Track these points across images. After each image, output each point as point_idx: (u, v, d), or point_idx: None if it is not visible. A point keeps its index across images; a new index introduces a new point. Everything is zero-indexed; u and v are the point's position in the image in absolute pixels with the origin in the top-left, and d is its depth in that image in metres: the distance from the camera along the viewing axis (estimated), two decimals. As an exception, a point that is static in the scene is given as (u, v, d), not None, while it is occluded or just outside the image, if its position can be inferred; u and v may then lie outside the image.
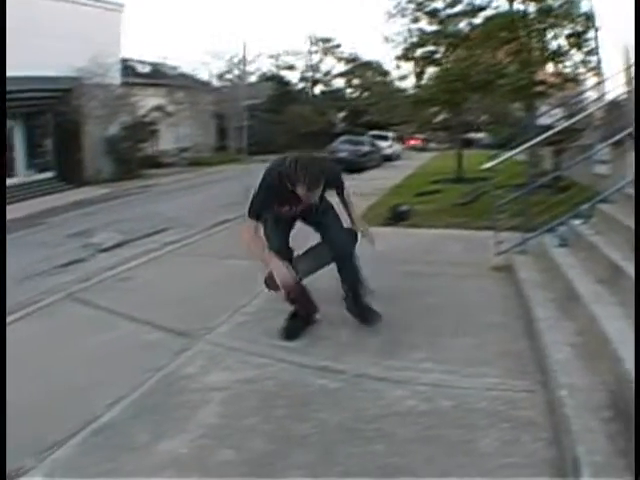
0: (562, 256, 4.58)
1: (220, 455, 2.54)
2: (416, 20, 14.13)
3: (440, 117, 20.25)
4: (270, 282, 3.86)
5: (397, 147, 32.29)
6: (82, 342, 4.14)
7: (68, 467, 2.55)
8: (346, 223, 4.18)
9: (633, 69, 6.52)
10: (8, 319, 4.94)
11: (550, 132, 6.15)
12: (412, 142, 43.55)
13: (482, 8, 12.86)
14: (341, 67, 47.84)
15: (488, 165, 5.89)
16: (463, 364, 3.26)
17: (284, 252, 3.87)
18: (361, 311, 4.05)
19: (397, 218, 8.56)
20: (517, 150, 5.93)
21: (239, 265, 5.99)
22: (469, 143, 27.00)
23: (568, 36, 11.10)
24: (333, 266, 4.07)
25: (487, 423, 2.58)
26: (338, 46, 46.94)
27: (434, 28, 13.85)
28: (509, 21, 10.98)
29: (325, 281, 4.36)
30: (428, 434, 2.56)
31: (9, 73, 15.17)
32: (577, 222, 5.06)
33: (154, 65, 29.54)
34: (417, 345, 3.62)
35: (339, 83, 48.86)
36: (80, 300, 5.33)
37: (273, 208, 3.80)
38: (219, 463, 2.49)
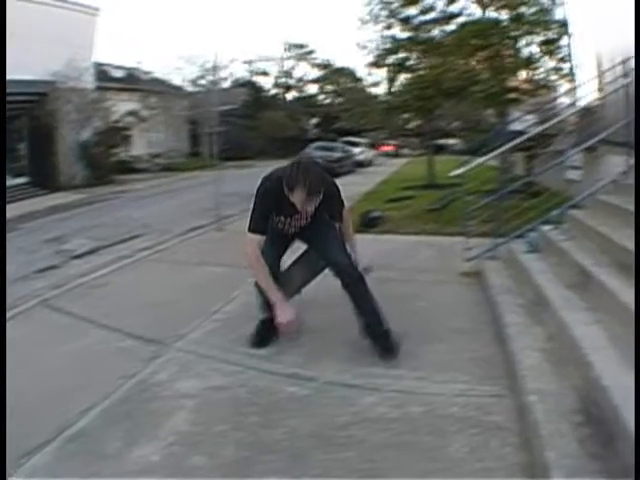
0: (532, 262, 4.64)
1: (192, 461, 2.53)
2: (389, 27, 14.26)
3: (412, 124, 20.43)
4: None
5: (369, 153, 32.55)
6: (54, 349, 4.10)
7: (45, 473, 2.54)
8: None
9: (607, 75, 6.65)
10: None
11: (522, 138, 6.23)
12: (385, 148, 43.91)
13: (455, 15, 13.01)
14: (315, 73, 48.07)
15: (458, 172, 5.94)
16: (433, 370, 3.28)
17: (275, 268, 3.76)
18: (379, 342, 3.69)
19: (369, 224, 8.58)
20: (487, 157, 5.99)
21: (212, 271, 6.03)
22: (441, 149, 27.29)
23: (541, 43, 11.28)
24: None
25: (457, 429, 2.60)
26: (312, 52, 47.16)
27: (407, 35, 13.98)
28: (482, 28, 11.12)
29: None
30: (399, 440, 2.56)
31: None
32: (548, 228, 5.14)
33: (128, 70, 29.50)
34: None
35: (312, 89, 49.07)
36: (53, 307, 5.29)
37: (271, 218, 3.69)
38: (191, 469, 2.48)
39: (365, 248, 6.71)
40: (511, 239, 5.44)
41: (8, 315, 5.10)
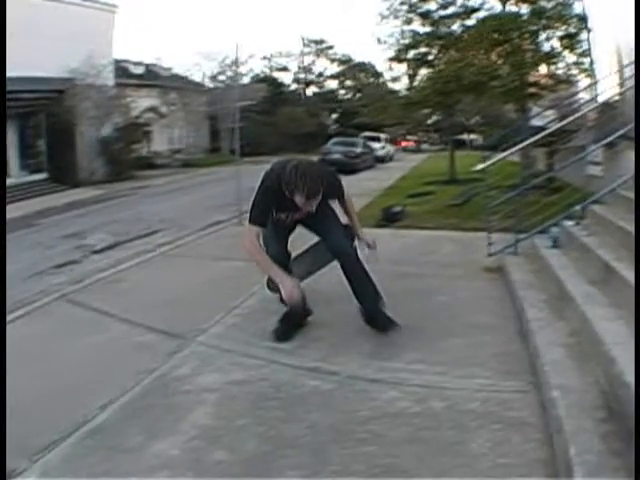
0: (554, 257, 4.60)
1: (212, 456, 2.53)
2: (409, 22, 14.18)
3: (432, 119, 20.32)
4: (272, 284, 3.86)
5: (390, 148, 32.39)
6: (75, 343, 4.14)
7: (62, 468, 2.55)
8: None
9: (626, 70, 6.55)
10: (9, 317, 4.92)
11: (543, 134, 6.17)
12: (405, 144, 43.70)
13: (475, 10, 12.91)
14: (334, 69, 47.99)
15: (481, 167, 5.92)
16: (455, 365, 3.26)
17: (282, 257, 3.82)
18: (375, 318, 3.91)
19: (390, 219, 8.58)
20: (509, 151, 5.95)
21: (232, 266, 6.00)
22: (461, 144, 27.10)
23: (561, 38, 11.16)
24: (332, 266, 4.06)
25: (479, 424, 2.58)
26: (331, 47, 47.10)
27: (427, 30, 13.90)
28: (501, 23, 11.02)
29: (319, 281, 4.43)
30: (420, 435, 2.56)
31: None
32: (570, 223, 5.09)
33: (147, 66, 29.63)
34: (409, 346, 3.61)
35: (332, 85, 49.00)
36: (73, 301, 5.33)
37: (272, 214, 3.73)
38: (212, 464, 2.48)
39: (386, 243, 6.79)
40: (533, 234, 5.40)
41: (26, 310, 5.21)
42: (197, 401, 3.08)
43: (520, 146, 5.96)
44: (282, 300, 3.79)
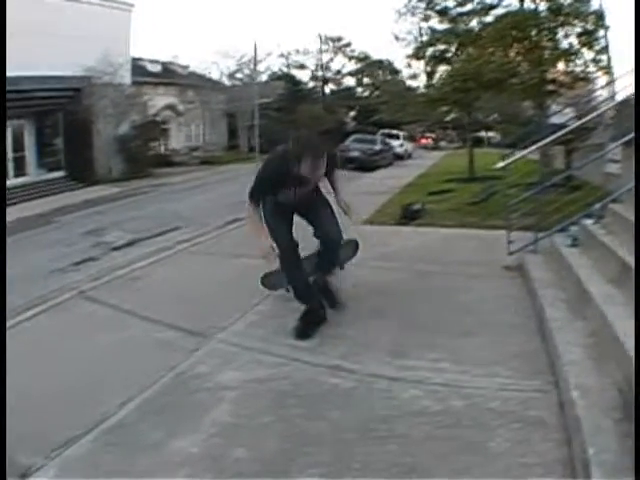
0: (573, 256, 4.58)
1: (233, 454, 2.56)
2: (426, 19, 14.15)
3: (451, 116, 20.22)
4: (266, 282, 4.40)
5: (409, 146, 32.32)
6: (94, 340, 4.20)
7: (80, 465, 2.59)
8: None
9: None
10: (28, 314, 5.10)
11: (562, 132, 6.14)
12: (423, 141, 43.57)
13: (493, 6, 12.83)
14: (352, 66, 47.82)
15: (501, 165, 5.90)
16: (476, 364, 3.28)
17: (292, 248, 4.15)
18: (329, 294, 4.40)
19: (410, 217, 8.60)
20: (529, 149, 5.92)
21: (251, 264, 5.98)
22: (480, 142, 26.94)
23: (579, 35, 11.06)
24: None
25: (499, 423, 2.60)
26: (348, 45, 46.93)
27: (445, 27, 13.85)
28: (520, 20, 10.95)
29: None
30: (440, 434, 2.58)
31: (20, 73, 15.40)
32: (589, 222, 5.04)
33: (165, 64, 29.72)
34: (430, 344, 3.64)
35: (350, 82, 48.86)
36: (92, 299, 5.40)
37: (277, 192, 4.02)
38: (231, 462, 2.50)
39: (407, 240, 6.83)
40: (553, 233, 5.38)
41: (45, 306, 5.30)
42: (217, 399, 3.11)
43: (540, 144, 5.93)
44: (264, 285, 4.42)
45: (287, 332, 3.98)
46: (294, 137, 3.79)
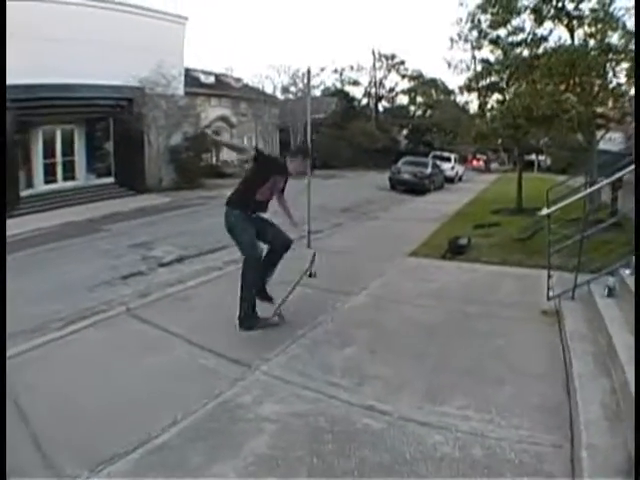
0: (608, 307, 4.71)
1: None
2: (479, 47, 14.34)
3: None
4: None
5: (460, 168, 32.22)
6: (140, 360, 4.53)
7: None
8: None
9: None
10: (76, 326, 5.53)
11: (613, 177, 6.25)
12: (475, 162, 43.26)
13: (544, 38, 12.94)
14: (405, 84, 47.97)
15: (545, 212, 6.05)
16: (501, 414, 3.48)
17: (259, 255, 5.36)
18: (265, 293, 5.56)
19: (455, 251, 8.74)
20: (577, 196, 6.06)
21: (298, 292, 6.10)
22: (530, 165, 26.63)
23: (628, 71, 11.04)
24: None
25: (513, 474, 2.82)
26: (402, 63, 47.14)
27: (496, 55, 14.02)
28: (572, 58, 11.03)
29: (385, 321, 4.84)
30: None
31: (75, 80, 16.51)
32: (626, 272, 5.14)
33: (218, 76, 30.51)
34: (461, 391, 3.85)
35: (403, 100, 48.98)
36: (140, 317, 5.73)
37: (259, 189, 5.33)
38: None
39: (453, 278, 7.13)
40: (591, 280, 5.51)
41: (92, 320, 5.69)
42: (257, 430, 3.40)
43: (590, 190, 6.05)
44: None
45: (327, 368, 4.26)
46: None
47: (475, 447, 3.12)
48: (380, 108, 48.18)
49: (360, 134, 38.49)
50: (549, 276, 5.91)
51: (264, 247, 5.50)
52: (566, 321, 4.98)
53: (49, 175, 19.51)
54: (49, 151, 19.47)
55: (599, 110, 11.55)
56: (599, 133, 11.99)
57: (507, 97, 13.92)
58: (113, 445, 3.20)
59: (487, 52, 14.44)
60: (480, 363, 4.35)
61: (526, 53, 13.17)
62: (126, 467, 3.03)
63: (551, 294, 5.74)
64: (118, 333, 5.35)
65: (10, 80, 12.86)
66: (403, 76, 47.81)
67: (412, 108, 49.19)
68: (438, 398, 3.76)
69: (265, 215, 5.59)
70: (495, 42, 13.87)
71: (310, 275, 5.90)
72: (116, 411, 3.67)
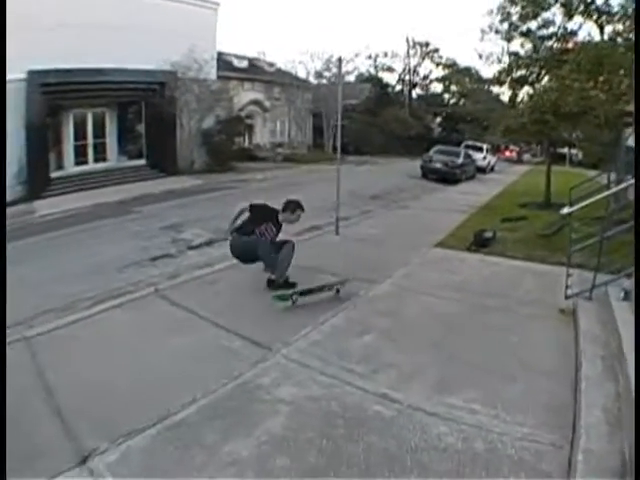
0: (622, 310, 4.65)
1: (276, 462, 2.98)
2: (509, 39, 14.10)
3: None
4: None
5: (492, 159, 31.66)
6: (165, 340, 4.66)
7: (141, 454, 3.05)
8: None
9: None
10: (104, 305, 5.69)
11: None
12: (507, 153, 42.47)
13: (573, 32, 12.66)
14: (439, 72, 47.17)
15: (566, 211, 5.98)
16: (507, 410, 3.51)
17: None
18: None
19: (480, 244, 8.70)
20: (600, 196, 5.99)
21: (324, 279, 6.28)
22: (561, 158, 26.05)
23: None
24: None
25: (511, 470, 2.87)
26: (436, 50, 46.27)
27: (526, 49, 13.78)
28: (600, 54, 10.77)
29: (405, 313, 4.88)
30: (457, 471, 2.89)
31: (106, 65, 16.86)
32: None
33: (251, 60, 30.16)
34: (471, 384, 3.89)
35: (437, 88, 48.21)
36: (167, 298, 5.86)
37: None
38: (274, 468, 2.93)
39: (475, 271, 7.15)
40: (609, 282, 5.44)
41: (120, 301, 5.82)
42: (273, 411, 3.51)
43: (617, 188, 5.94)
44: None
45: (345, 354, 4.34)
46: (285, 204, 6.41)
47: (478, 440, 3.18)
48: (414, 95, 47.47)
49: (393, 121, 38.04)
50: (568, 275, 5.86)
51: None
52: (581, 321, 4.92)
53: (80, 157, 19.73)
54: (80, 133, 19.66)
55: (627, 108, 11.26)
56: (627, 130, 11.70)
57: (535, 98, 13.67)
58: (133, 420, 3.35)
59: (517, 45, 14.23)
60: (493, 357, 4.38)
61: (555, 47, 12.92)
62: (144, 441, 3.17)
63: (569, 292, 5.68)
64: (145, 313, 5.48)
65: (45, 66, 13.30)
66: (437, 64, 46.99)
67: (446, 96, 48.33)
68: (448, 389, 3.81)
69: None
70: (525, 35, 13.66)
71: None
72: (138, 388, 3.81)
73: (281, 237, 6.56)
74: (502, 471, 2.88)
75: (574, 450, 2.93)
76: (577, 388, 3.72)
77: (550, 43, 13.13)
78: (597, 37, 12.07)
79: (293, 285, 6.06)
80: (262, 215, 6.45)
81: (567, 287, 5.74)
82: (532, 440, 3.16)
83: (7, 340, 4.63)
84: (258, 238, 6.19)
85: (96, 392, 3.77)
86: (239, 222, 6.40)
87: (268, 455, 3.04)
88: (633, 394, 3.05)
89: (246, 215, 6.40)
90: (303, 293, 5.73)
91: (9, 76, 14.63)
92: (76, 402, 3.64)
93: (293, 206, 6.57)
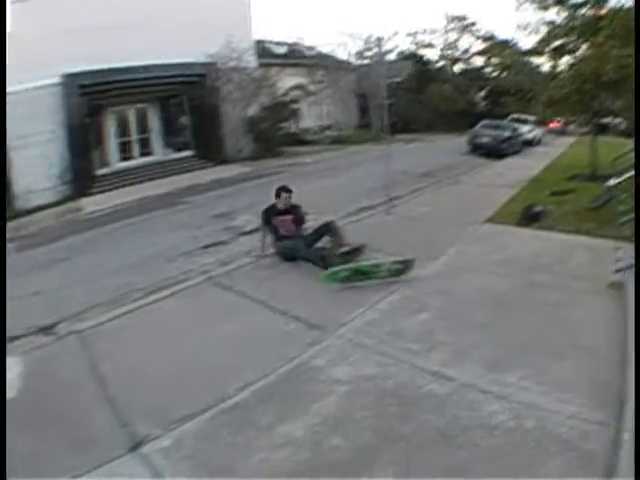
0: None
1: (331, 441, 3.06)
2: (545, 8, 13.65)
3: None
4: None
5: (538, 131, 30.54)
6: (219, 326, 4.75)
7: (195, 439, 3.15)
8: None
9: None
10: (156, 296, 5.78)
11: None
12: (552, 125, 40.98)
13: None
14: (478, 45, 45.76)
15: (612, 183, 5.89)
16: (557, 388, 3.51)
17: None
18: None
19: (530, 219, 8.58)
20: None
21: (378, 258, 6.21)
22: (606, 128, 24.99)
23: None
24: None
25: (557, 449, 2.89)
26: (473, 24, 44.84)
27: (563, 17, 13.35)
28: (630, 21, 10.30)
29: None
30: (506, 450, 2.94)
31: (144, 62, 17.18)
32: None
33: (290, 45, 29.86)
34: (523, 363, 3.89)
35: (478, 62, 46.80)
36: (220, 284, 5.94)
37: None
38: (328, 448, 3.01)
39: (524, 246, 7.06)
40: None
41: (172, 290, 5.88)
42: (327, 391, 3.59)
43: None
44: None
45: (400, 333, 4.39)
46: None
47: (528, 418, 3.20)
48: (456, 70, 46.24)
49: (437, 97, 37.20)
50: (616, 248, 5.75)
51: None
52: (628, 297, 4.78)
53: (125, 153, 20.21)
54: (123, 130, 20.12)
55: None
56: None
57: (574, 67, 13.20)
58: (187, 406, 3.46)
59: (553, 14, 13.76)
60: (544, 336, 4.34)
61: (591, 13, 12.44)
62: (197, 426, 3.28)
63: (618, 266, 5.57)
64: (198, 300, 5.57)
65: (82, 68, 13.37)
66: (476, 37, 45.54)
67: (488, 70, 46.91)
68: (501, 368, 3.82)
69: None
70: (560, 2, 13.16)
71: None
72: (193, 374, 3.92)
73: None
74: (549, 450, 2.90)
75: (619, 429, 2.93)
76: (625, 365, 3.68)
77: (584, 10, 12.61)
78: (629, 2, 11.51)
79: (353, 255, 6.39)
80: (268, 215, 6.97)
81: (616, 261, 5.63)
82: (580, 418, 3.16)
83: (64, 332, 4.96)
84: (295, 241, 6.58)
85: (149, 381, 3.90)
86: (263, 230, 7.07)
87: (322, 435, 3.12)
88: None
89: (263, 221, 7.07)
90: (359, 272, 5.75)
91: (40, 82, 15.26)
92: (129, 392, 3.77)
93: (277, 192, 7.06)
